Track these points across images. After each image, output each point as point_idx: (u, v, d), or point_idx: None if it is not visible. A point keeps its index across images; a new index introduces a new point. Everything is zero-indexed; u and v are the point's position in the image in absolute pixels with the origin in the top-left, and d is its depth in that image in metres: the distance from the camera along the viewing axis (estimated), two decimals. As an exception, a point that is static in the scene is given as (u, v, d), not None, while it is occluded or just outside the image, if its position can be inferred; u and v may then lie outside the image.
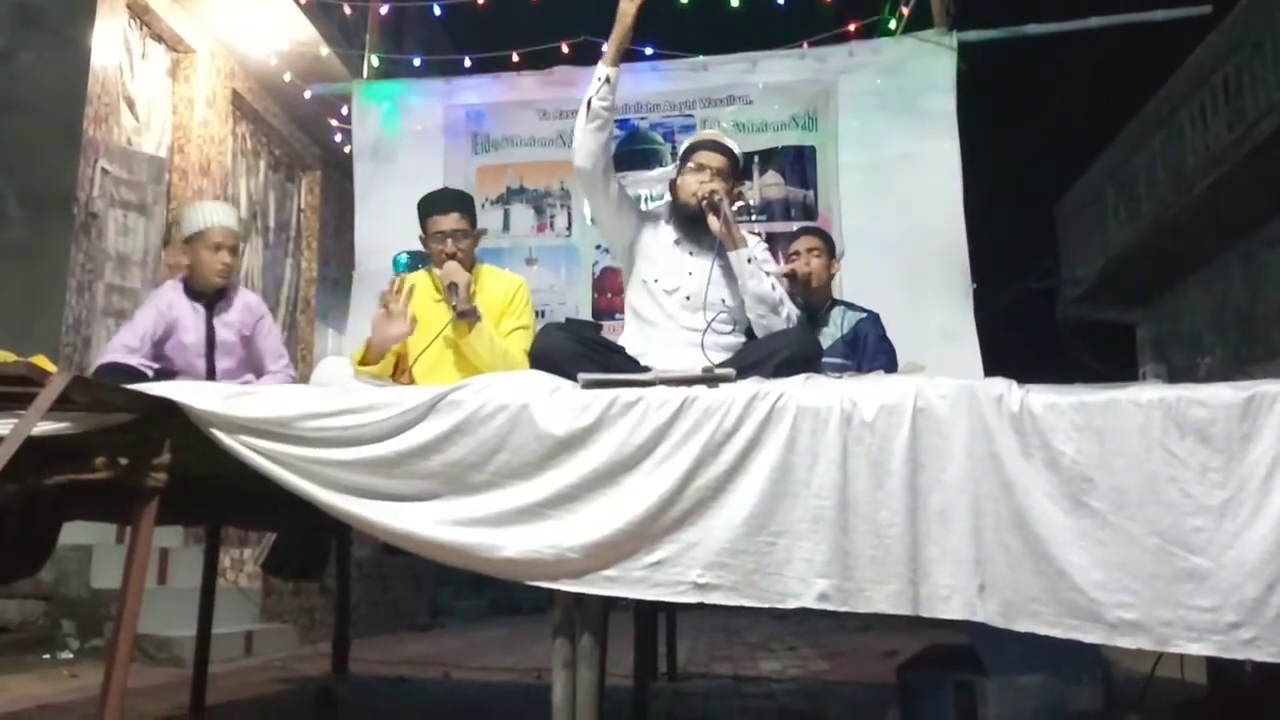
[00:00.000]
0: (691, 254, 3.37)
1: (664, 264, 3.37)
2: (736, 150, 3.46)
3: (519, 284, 3.70)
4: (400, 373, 3.52)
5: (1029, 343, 12.41)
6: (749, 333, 3.38)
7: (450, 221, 3.54)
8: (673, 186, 3.46)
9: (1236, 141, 9.20)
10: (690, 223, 3.35)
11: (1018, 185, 13.99)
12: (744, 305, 3.30)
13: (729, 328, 3.32)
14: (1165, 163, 10.85)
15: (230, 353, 3.77)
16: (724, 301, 3.30)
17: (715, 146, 3.41)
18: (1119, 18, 5.42)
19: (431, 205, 3.62)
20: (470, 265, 3.56)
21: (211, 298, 3.78)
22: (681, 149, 3.51)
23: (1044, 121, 14.36)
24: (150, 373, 3.51)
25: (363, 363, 3.32)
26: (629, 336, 3.37)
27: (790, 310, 3.33)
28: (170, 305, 3.74)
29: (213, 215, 3.77)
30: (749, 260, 3.24)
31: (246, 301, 3.89)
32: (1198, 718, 3.02)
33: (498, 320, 3.53)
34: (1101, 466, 2.14)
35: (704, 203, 3.24)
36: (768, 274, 3.27)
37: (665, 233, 3.44)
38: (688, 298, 3.30)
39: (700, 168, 3.34)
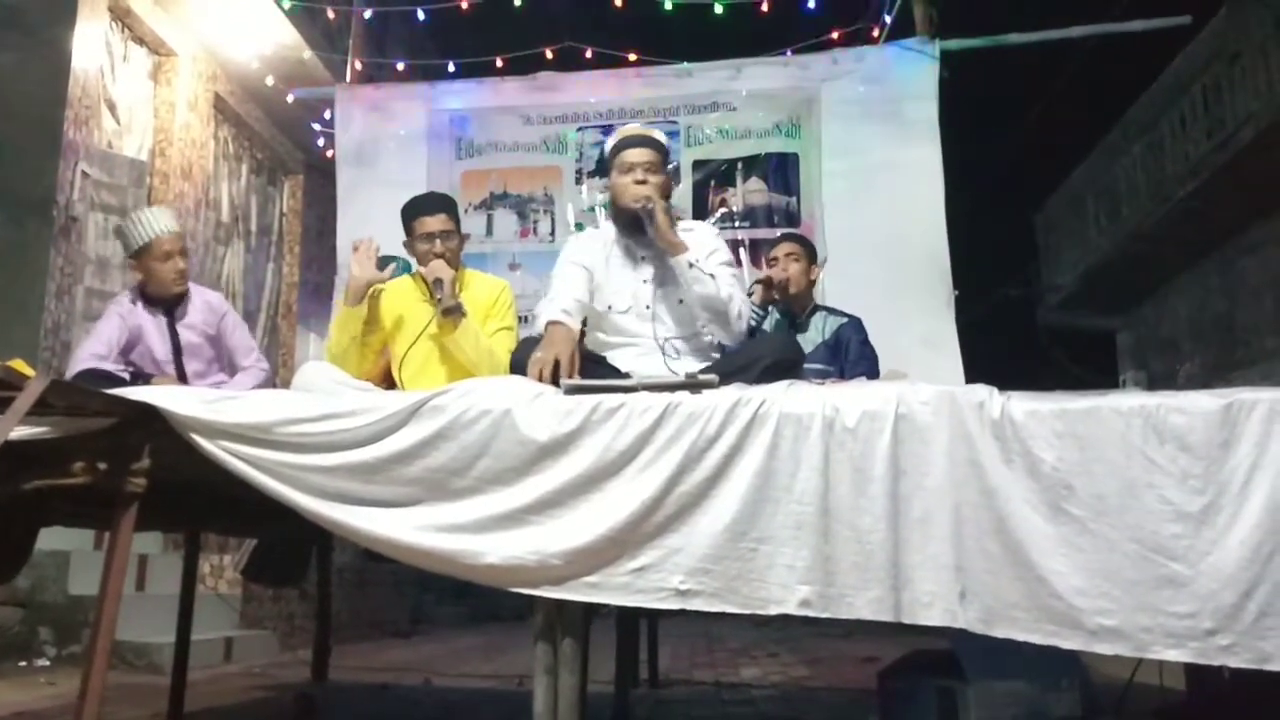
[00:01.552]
0: (643, 259, 3.35)
1: (617, 282, 3.34)
2: (661, 138, 3.42)
3: (502, 287, 3.72)
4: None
5: (1010, 349, 12.48)
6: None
7: (438, 222, 3.56)
8: (611, 193, 3.42)
9: (1215, 150, 9.28)
10: (632, 227, 3.32)
11: (999, 192, 14.08)
12: (695, 310, 3.27)
13: (690, 330, 3.30)
14: (1145, 171, 10.93)
15: (197, 354, 3.76)
16: (681, 302, 3.28)
17: (639, 142, 3.35)
18: (1100, 27, 5.47)
19: (418, 207, 3.63)
20: (456, 267, 3.58)
21: (170, 304, 3.76)
22: (606, 151, 3.46)
23: (1025, 129, 14.44)
24: (127, 376, 3.49)
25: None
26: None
27: (741, 308, 3.27)
28: (130, 313, 3.71)
29: (155, 224, 3.70)
30: (690, 265, 3.20)
31: (207, 301, 3.87)
32: (1176, 723, 3.04)
33: (482, 323, 3.55)
34: (1082, 473, 2.15)
35: (642, 210, 3.20)
36: (711, 275, 3.22)
37: (611, 247, 3.41)
38: (646, 307, 3.29)
39: (630, 168, 3.30)
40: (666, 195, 3.34)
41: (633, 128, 3.52)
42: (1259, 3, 8.67)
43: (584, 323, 3.36)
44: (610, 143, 3.46)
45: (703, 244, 3.34)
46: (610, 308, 3.33)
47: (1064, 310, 13.49)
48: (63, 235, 6.04)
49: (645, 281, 3.32)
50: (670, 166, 5.20)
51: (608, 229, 3.50)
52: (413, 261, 3.71)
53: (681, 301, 3.28)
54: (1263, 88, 8.56)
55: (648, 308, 3.28)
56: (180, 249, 3.74)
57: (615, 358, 3.25)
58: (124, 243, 3.74)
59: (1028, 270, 14.85)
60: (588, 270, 3.37)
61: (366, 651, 6.75)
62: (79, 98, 6.17)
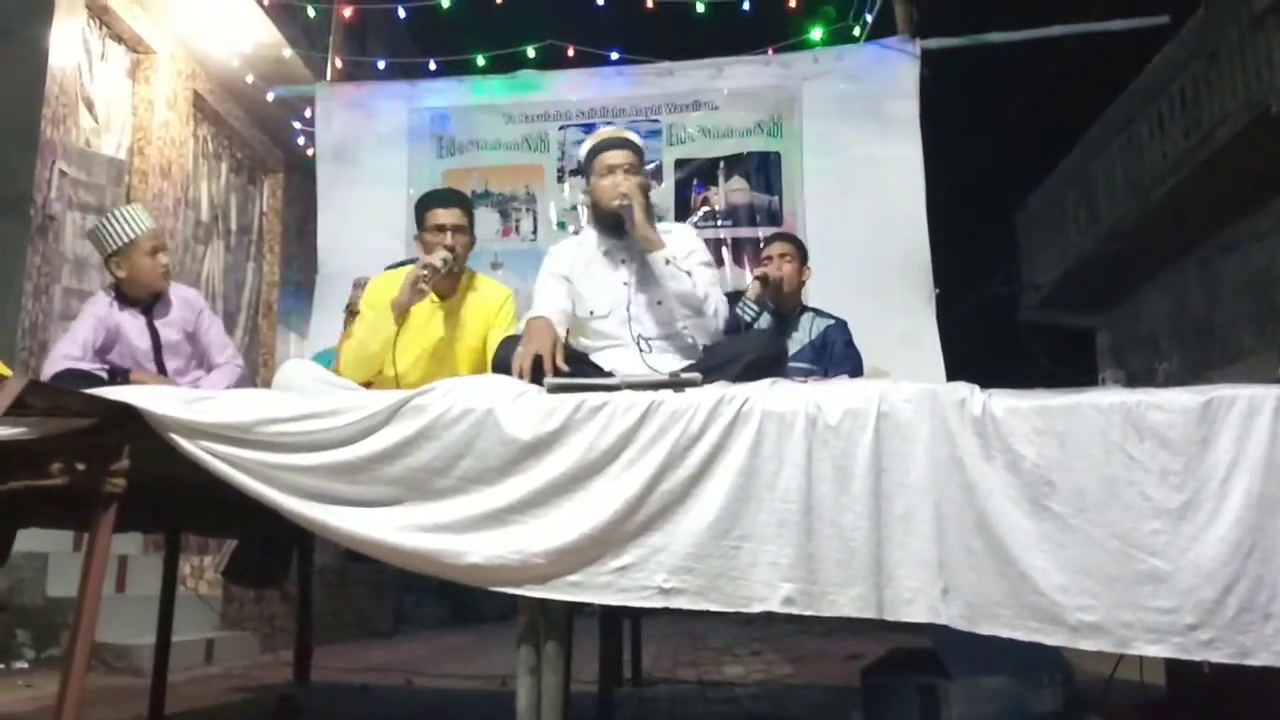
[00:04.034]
0: (622, 262, 3.36)
1: (597, 286, 3.35)
2: (636, 140, 3.43)
3: (507, 295, 3.74)
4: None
5: (990, 348, 12.52)
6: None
7: (451, 216, 3.56)
8: (591, 196, 3.41)
9: (1193, 149, 9.34)
10: (612, 229, 3.32)
11: (979, 191, 14.12)
12: (672, 307, 3.26)
13: (670, 329, 3.28)
14: (1124, 170, 10.98)
15: (177, 352, 3.76)
16: (660, 303, 3.28)
17: (615, 144, 3.36)
18: (1079, 27, 5.51)
19: (435, 198, 3.67)
20: (464, 265, 3.61)
21: (148, 302, 3.74)
22: (583, 155, 3.46)
23: (1005, 128, 14.51)
24: (105, 375, 3.47)
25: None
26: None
27: (718, 305, 3.28)
28: (108, 314, 3.69)
29: (139, 222, 3.70)
30: (666, 261, 3.20)
31: (184, 297, 3.87)
32: (1157, 718, 3.06)
33: (486, 330, 3.58)
34: (1062, 470, 2.16)
35: (620, 207, 3.20)
36: (688, 273, 3.22)
37: (591, 251, 3.42)
38: (626, 308, 3.28)
39: (609, 170, 3.31)
40: (645, 195, 3.35)
41: (608, 130, 3.53)
42: (1236, 2, 8.72)
43: (567, 332, 3.37)
44: (586, 147, 3.46)
45: (681, 244, 3.35)
46: (592, 313, 3.34)
47: (1044, 309, 13.54)
48: (40, 235, 5.98)
49: (625, 283, 3.32)
50: (649, 167, 5.24)
51: (587, 235, 3.51)
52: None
53: (660, 303, 3.27)
54: (1240, 87, 8.61)
55: (627, 309, 3.28)
56: (163, 246, 3.74)
57: (598, 358, 3.25)
58: (104, 241, 3.69)
59: (1008, 269, 14.91)
60: (567, 280, 3.39)
61: (348, 652, 6.72)
62: (56, 96, 6.11)
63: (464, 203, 3.68)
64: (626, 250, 3.34)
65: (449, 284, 3.58)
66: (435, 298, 3.55)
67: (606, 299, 3.33)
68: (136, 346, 3.68)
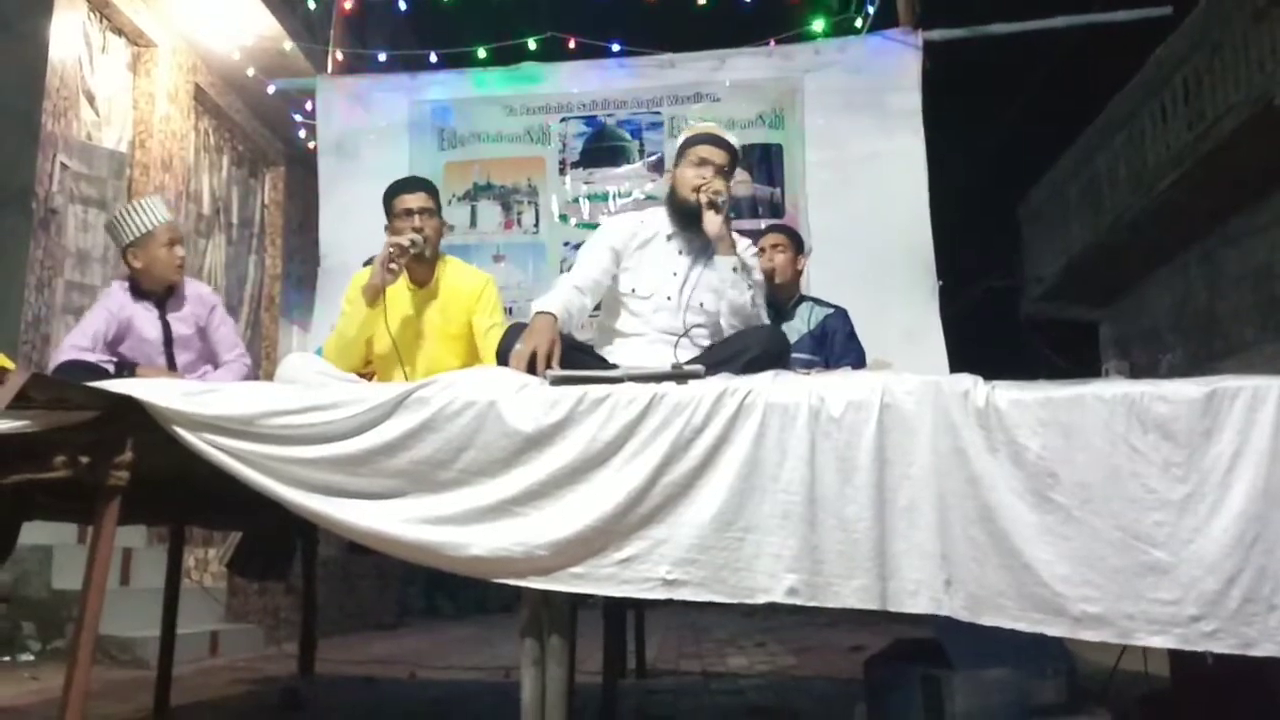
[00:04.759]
0: (680, 253, 3.34)
1: (648, 266, 3.33)
2: (736, 145, 3.42)
3: (486, 280, 3.71)
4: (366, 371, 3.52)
5: (993, 340, 12.52)
6: None
7: (417, 200, 3.56)
8: (673, 180, 3.40)
9: (1196, 141, 9.32)
10: (685, 218, 3.30)
11: (982, 184, 14.11)
12: (721, 311, 3.26)
13: (706, 331, 3.28)
14: (1126, 162, 10.97)
15: (188, 346, 3.75)
16: (702, 305, 3.27)
17: (718, 142, 3.35)
18: (1082, 18, 5.50)
19: (399, 186, 3.65)
20: (436, 250, 3.59)
21: (162, 295, 3.74)
22: (680, 140, 3.45)
23: (1008, 120, 14.48)
24: (111, 368, 3.48)
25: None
26: (606, 353, 3.31)
27: (764, 323, 3.29)
28: (121, 307, 3.69)
29: (157, 213, 3.71)
30: (734, 269, 3.20)
31: (198, 293, 3.86)
32: (1161, 710, 3.06)
33: (468, 317, 3.55)
34: (1066, 461, 2.15)
35: (706, 201, 3.18)
36: (749, 287, 3.23)
37: (654, 232, 3.39)
38: (668, 298, 3.27)
39: (702, 162, 3.29)
40: (730, 198, 3.33)
41: (710, 125, 3.52)
42: (1239, -7, 8.71)
43: (598, 306, 3.36)
44: (686, 134, 3.46)
45: (743, 253, 3.34)
46: (633, 290, 3.32)
47: (1047, 301, 13.54)
48: (42, 228, 5.99)
49: (675, 274, 3.31)
50: (651, 159, 5.23)
51: (655, 215, 3.47)
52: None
53: (702, 304, 3.26)
54: (1243, 80, 8.59)
55: (669, 299, 3.27)
56: (180, 239, 3.75)
57: (620, 347, 3.25)
58: (121, 232, 3.69)
59: (1011, 261, 14.90)
60: (615, 252, 3.36)
61: (352, 645, 6.73)
62: (57, 89, 6.11)
63: (428, 187, 3.67)
64: (688, 243, 3.33)
65: (425, 271, 3.58)
66: (413, 286, 3.55)
67: (652, 282, 3.32)
68: (148, 339, 3.68)
